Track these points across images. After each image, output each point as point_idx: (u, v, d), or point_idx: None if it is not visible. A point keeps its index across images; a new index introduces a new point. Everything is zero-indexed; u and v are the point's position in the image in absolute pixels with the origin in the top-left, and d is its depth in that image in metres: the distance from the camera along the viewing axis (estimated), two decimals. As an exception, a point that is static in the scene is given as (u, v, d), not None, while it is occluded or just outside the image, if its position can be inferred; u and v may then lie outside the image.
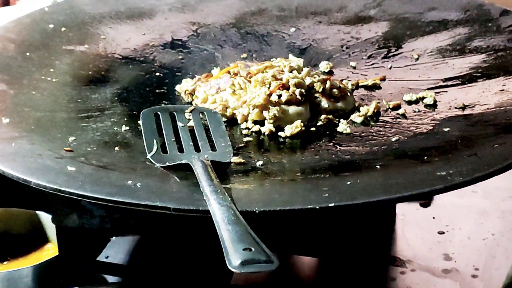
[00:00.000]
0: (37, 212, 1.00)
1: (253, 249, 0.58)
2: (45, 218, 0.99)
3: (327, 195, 0.69)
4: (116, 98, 0.94)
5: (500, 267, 1.01)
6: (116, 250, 1.00)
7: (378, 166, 0.77)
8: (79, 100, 0.93)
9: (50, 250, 0.99)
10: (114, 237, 1.01)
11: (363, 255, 1.01)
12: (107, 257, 0.99)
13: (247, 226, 0.62)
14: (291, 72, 0.92)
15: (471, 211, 1.14)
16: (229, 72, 0.96)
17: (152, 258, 0.98)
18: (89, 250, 0.95)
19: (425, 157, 0.77)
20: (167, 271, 0.93)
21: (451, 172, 0.71)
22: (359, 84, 0.98)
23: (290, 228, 0.86)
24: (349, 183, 0.72)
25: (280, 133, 0.87)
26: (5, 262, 0.96)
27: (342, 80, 0.97)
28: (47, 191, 0.71)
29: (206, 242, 0.88)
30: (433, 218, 1.13)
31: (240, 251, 0.58)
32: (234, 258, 0.57)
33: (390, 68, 1.01)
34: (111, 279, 0.96)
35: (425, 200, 1.13)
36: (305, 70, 0.95)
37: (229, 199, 0.67)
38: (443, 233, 1.09)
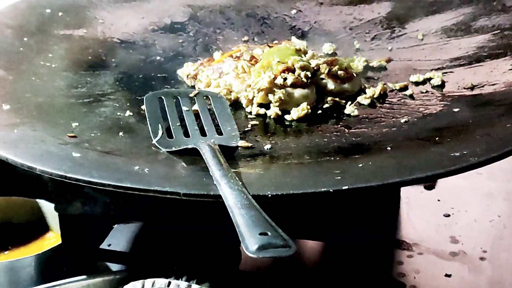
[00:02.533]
0: (37, 200, 0.98)
1: (269, 233, 0.57)
2: (46, 206, 0.97)
3: (339, 177, 0.68)
4: (117, 83, 0.93)
5: (508, 249, 1.00)
6: (118, 238, 0.99)
7: (389, 148, 0.75)
8: (80, 86, 0.91)
9: (51, 239, 0.97)
10: (116, 225, 1.00)
11: (369, 238, 1.00)
12: (109, 245, 0.97)
13: (261, 210, 0.61)
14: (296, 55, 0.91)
15: (476, 193, 1.13)
16: (231, 56, 0.94)
17: (155, 245, 0.96)
18: (92, 238, 0.94)
19: (437, 138, 0.76)
20: (171, 258, 0.92)
21: (465, 152, 0.70)
22: (364, 65, 0.96)
23: (295, 212, 0.85)
24: (360, 165, 0.71)
25: (286, 116, 0.85)
26: (6, 252, 0.95)
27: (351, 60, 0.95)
28: (52, 178, 0.70)
29: (211, 228, 0.87)
30: (438, 200, 1.11)
31: (257, 235, 0.56)
32: (251, 243, 0.56)
33: (393, 49, 1.00)
34: (114, 267, 0.95)
35: (434, 181, 1.12)
36: (310, 52, 0.93)
37: (240, 183, 0.66)
38: (449, 215, 1.08)
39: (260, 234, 0.57)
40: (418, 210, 1.10)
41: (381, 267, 1.00)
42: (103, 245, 0.96)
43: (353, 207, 0.96)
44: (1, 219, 0.99)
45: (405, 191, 1.11)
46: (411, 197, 1.12)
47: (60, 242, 0.89)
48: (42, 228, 0.98)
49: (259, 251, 0.55)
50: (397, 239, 1.04)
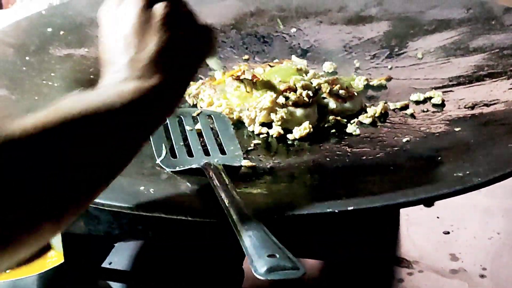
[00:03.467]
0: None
1: (277, 255, 0.57)
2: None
3: (344, 198, 0.68)
4: (119, 102, 0.93)
5: (508, 266, 1.01)
6: (119, 256, 0.99)
7: (392, 168, 0.76)
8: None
9: (53, 258, 0.97)
10: (117, 243, 1.00)
11: (369, 256, 1.00)
12: (110, 263, 0.97)
13: (268, 232, 0.61)
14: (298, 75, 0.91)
15: (475, 210, 1.13)
16: (233, 75, 0.94)
17: (156, 263, 0.96)
18: (94, 257, 0.94)
19: (439, 158, 0.76)
20: (172, 276, 0.92)
21: (468, 172, 0.71)
22: (365, 84, 0.97)
23: (295, 231, 0.85)
24: (364, 185, 0.71)
25: (289, 135, 0.86)
26: (7, 270, 0.94)
27: (351, 79, 0.96)
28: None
29: (214, 246, 0.87)
30: (437, 218, 1.12)
31: (265, 257, 0.57)
32: (259, 265, 0.56)
33: (393, 68, 1.00)
34: (115, 285, 0.95)
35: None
36: (311, 72, 0.94)
37: (246, 204, 0.66)
38: (448, 233, 1.09)
39: (269, 256, 0.57)
40: (418, 227, 1.10)
41: (381, 284, 1.00)
42: (104, 264, 0.96)
43: (353, 225, 0.97)
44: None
45: (404, 209, 1.12)
46: (411, 214, 1.13)
47: (62, 260, 0.89)
48: (43, 246, 0.98)
49: (268, 273, 0.55)
50: (397, 257, 1.05)
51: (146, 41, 0.64)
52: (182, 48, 0.65)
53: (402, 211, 1.11)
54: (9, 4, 1.32)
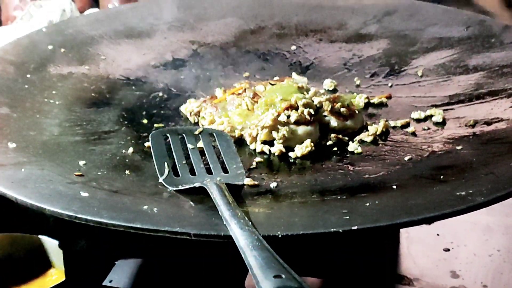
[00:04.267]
0: (39, 236, 0.98)
1: (283, 276, 0.57)
2: (49, 243, 0.97)
3: (347, 217, 0.68)
4: (120, 120, 0.93)
5: (508, 283, 1.01)
6: (120, 274, 0.99)
7: (394, 187, 0.76)
8: (84, 123, 0.91)
9: (53, 276, 0.97)
10: (118, 261, 1.00)
11: (370, 274, 1.00)
12: (111, 281, 0.97)
13: (273, 252, 0.61)
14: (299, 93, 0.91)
15: (475, 227, 1.14)
16: (234, 93, 0.95)
17: (157, 281, 0.96)
18: (95, 275, 0.94)
19: (441, 177, 0.77)
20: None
21: (471, 192, 0.71)
22: (365, 102, 0.97)
23: (295, 250, 0.85)
24: (367, 204, 0.71)
25: (291, 154, 0.86)
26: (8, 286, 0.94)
27: (352, 97, 0.96)
28: (61, 217, 0.70)
29: (214, 265, 0.87)
30: (437, 235, 1.12)
31: (271, 278, 0.57)
32: (265, 285, 0.56)
33: (393, 86, 1.01)
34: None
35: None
36: (313, 89, 0.94)
37: (250, 223, 0.66)
38: (449, 250, 1.09)
39: (275, 276, 0.57)
40: (418, 245, 1.10)
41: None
42: (105, 282, 0.96)
43: (354, 243, 0.97)
44: (3, 255, 0.98)
45: (404, 226, 1.12)
46: (411, 232, 1.13)
47: (63, 278, 0.89)
48: (44, 264, 0.98)
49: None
50: (398, 274, 1.05)
51: None
52: None
53: (402, 229, 1.11)
54: (9, 21, 1.32)
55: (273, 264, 0.59)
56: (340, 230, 0.65)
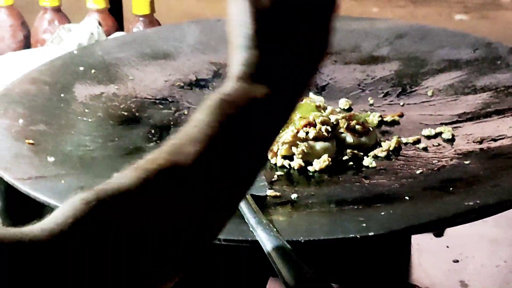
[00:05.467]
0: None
1: (307, 275, 0.63)
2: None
3: (364, 225, 0.74)
4: (149, 136, 0.99)
5: (514, 292, 1.06)
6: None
7: (407, 198, 0.82)
8: (116, 139, 0.97)
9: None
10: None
11: (381, 283, 1.06)
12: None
13: (294, 254, 0.67)
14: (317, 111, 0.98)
15: (483, 240, 1.19)
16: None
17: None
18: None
19: (451, 189, 0.82)
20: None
21: (478, 202, 0.77)
22: (379, 120, 1.03)
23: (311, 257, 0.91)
24: (383, 213, 0.77)
25: (309, 168, 0.92)
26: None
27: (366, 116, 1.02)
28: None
29: (238, 270, 0.93)
30: (447, 247, 1.18)
31: (295, 277, 0.63)
32: (290, 282, 0.62)
33: (405, 105, 1.07)
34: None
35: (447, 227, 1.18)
36: (329, 108, 1.00)
37: (275, 229, 0.72)
38: (458, 261, 1.14)
39: (299, 275, 0.63)
40: (429, 256, 1.16)
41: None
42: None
43: (368, 254, 1.03)
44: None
45: (415, 239, 1.17)
46: (421, 244, 1.18)
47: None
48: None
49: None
50: (409, 284, 1.10)
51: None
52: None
53: (413, 240, 1.17)
54: (38, 43, 1.39)
55: (296, 265, 0.65)
56: (358, 236, 0.71)
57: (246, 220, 0.74)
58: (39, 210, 1.01)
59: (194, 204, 0.55)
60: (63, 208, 0.53)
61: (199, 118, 0.58)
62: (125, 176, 0.55)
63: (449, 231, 1.22)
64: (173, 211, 0.55)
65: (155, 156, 0.56)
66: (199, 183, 0.56)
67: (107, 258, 0.51)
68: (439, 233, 1.21)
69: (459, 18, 1.82)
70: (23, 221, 1.03)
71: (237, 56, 0.63)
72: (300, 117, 0.96)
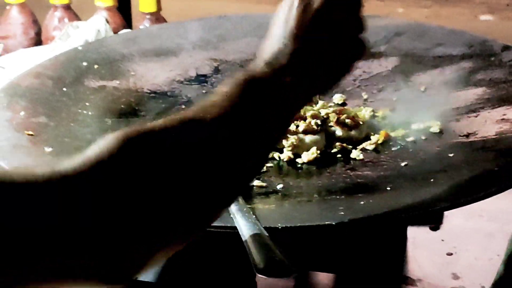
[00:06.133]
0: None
1: (276, 258, 0.66)
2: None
3: (342, 213, 0.77)
4: (146, 129, 1.02)
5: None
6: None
7: (388, 188, 0.84)
8: (113, 131, 1.00)
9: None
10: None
11: (377, 274, 1.08)
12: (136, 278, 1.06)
13: (270, 240, 0.70)
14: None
15: (478, 234, 1.21)
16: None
17: (178, 277, 1.05)
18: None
19: (432, 180, 0.85)
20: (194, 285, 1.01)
21: (453, 192, 0.79)
22: (371, 115, 1.05)
23: (309, 246, 0.94)
24: (362, 203, 0.80)
25: (298, 160, 0.95)
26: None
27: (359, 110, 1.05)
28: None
29: (229, 261, 0.96)
30: (442, 240, 1.20)
31: (266, 259, 0.66)
32: (260, 265, 0.65)
33: (397, 100, 1.09)
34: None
35: (432, 220, 1.20)
36: (321, 102, 1.03)
37: (254, 216, 0.75)
38: (451, 254, 1.16)
39: (268, 259, 0.66)
40: (423, 249, 1.18)
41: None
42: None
43: (365, 247, 1.06)
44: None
45: (411, 231, 1.19)
46: (417, 237, 1.20)
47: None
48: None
49: (266, 272, 0.64)
50: (402, 275, 1.12)
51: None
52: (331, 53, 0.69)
53: (409, 233, 1.19)
54: (48, 40, 1.43)
55: (268, 249, 0.68)
56: (333, 223, 0.74)
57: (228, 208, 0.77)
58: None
59: (215, 157, 0.59)
60: (96, 145, 0.58)
61: (224, 90, 0.63)
62: (154, 123, 0.60)
63: (445, 225, 1.24)
64: (194, 157, 0.58)
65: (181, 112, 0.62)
66: (221, 138, 0.59)
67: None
68: (435, 227, 1.23)
69: (484, 18, 1.83)
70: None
71: (272, 45, 0.67)
72: (291, 111, 0.98)
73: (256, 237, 0.70)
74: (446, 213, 1.25)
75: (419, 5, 1.81)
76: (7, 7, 1.48)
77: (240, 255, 0.74)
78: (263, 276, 0.64)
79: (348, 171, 0.91)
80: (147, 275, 1.05)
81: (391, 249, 1.14)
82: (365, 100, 1.11)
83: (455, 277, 1.11)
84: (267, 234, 0.71)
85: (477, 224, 1.22)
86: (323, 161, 0.94)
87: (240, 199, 0.79)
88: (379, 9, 1.71)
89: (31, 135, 0.96)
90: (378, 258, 1.09)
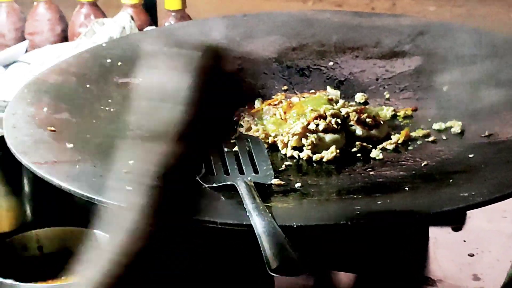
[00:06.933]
0: (93, 230, 1.09)
1: (290, 256, 0.66)
2: (101, 236, 1.07)
3: (358, 213, 0.77)
4: (167, 126, 1.03)
5: (526, 287, 1.07)
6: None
7: (407, 188, 0.84)
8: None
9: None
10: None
11: (398, 274, 1.08)
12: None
13: (285, 238, 0.70)
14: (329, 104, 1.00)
15: (501, 235, 1.20)
16: (270, 104, 1.04)
17: (193, 272, 1.06)
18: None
19: (451, 180, 0.84)
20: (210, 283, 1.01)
21: (473, 193, 0.79)
22: (392, 114, 1.05)
23: (329, 246, 0.94)
24: (379, 203, 0.80)
25: (314, 157, 0.94)
26: (62, 278, 1.04)
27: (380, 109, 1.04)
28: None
29: (247, 257, 0.96)
30: (464, 241, 1.19)
31: (278, 258, 0.66)
32: (273, 263, 0.65)
33: (419, 99, 1.08)
34: None
35: (454, 220, 1.20)
36: (341, 101, 1.03)
37: (270, 215, 0.75)
38: (473, 255, 1.15)
39: (282, 257, 0.66)
40: (445, 250, 1.17)
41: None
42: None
43: (386, 247, 1.06)
44: (61, 248, 1.09)
45: (433, 232, 1.19)
46: (439, 238, 1.20)
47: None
48: (97, 256, 1.08)
49: (279, 271, 0.64)
50: (423, 275, 1.12)
51: None
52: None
53: (431, 234, 1.19)
54: (74, 37, 1.44)
55: (283, 247, 0.68)
56: (349, 223, 0.74)
57: (244, 205, 0.78)
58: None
59: None
60: None
61: None
62: None
63: (467, 226, 1.23)
64: None
65: None
66: None
67: None
68: (457, 227, 1.22)
69: (518, 18, 1.81)
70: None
71: None
72: (311, 110, 0.99)
73: (270, 235, 0.70)
74: (468, 214, 1.25)
75: (452, 4, 1.80)
76: (35, 3, 1.50)
77: (257, 253, 0.74)
78: (274, 275, 0.64)
79: (368, 170, 0.91)
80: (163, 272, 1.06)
81: (413, 249, 1.14)
82: (387, 99, 1.11)
83: (476, 278, 1.10)
84: (282, 233, 0.71)
85: (499, 225, 1.21)
86: (343, 161, 0.94)
87: (257, 198, 0.79)
88: (410, 8, 1.70)
89: (53, 131, 0.97)
90: (399, 258, 1.09)
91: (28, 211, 1.10)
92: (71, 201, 1.08)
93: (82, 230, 1.09)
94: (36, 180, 1.05)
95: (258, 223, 0.73)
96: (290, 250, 0.67)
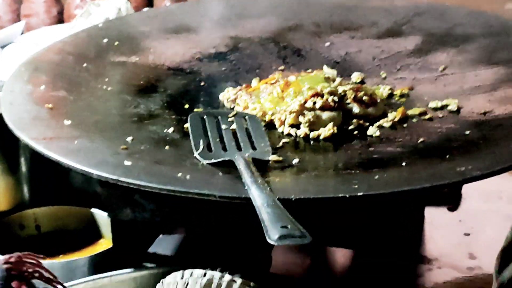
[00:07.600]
0: (91, 209, 1.09)
1: (289, 226, 0.66)
2: (99, 215, 1.08)
3: (356, 186, 0.77)
4: (165, 105, 1.03)
5: (522, 265, 1.08)
6: (163, 248, 1.08)
7: (404, 164, 0.84)
8: (132, 106, 1.02)
9: (103, 245, 1.07)
10: (161, 235, 1.10)
11: (394, 253, 1.09)
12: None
13: (284, 209, 0.71)
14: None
15: (496, 215, 1.21)
16: (267, 83, 1.04)
17: (196, 251, 1.06)
18: (139, 243, 1.04)
19: (447, 156, 0.85)
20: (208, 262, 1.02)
21: (470, 167, 0.79)
22: (389, 93, 1.05)
23: (329, 222, 0.94)
24: (376, 177, 0.80)
25: (311, 134, 0.95)
26: (60, 255, 1.05)
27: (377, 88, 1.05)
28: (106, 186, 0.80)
29: (244, 236, 0.97)
30: (460, 221, 1.20)
31: (278, 228, 0.66)
32: (273, 233, 0.65)
33: (416, 79, 1.09)
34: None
35: (450, 200, 1.20)
36: (338, 79, 1.03)
37: (268, 188, 0.75)
38: (469, 234, 1.16)
39: (282, 227, 0.66)
40: (441, 230, 1.18)
41: (403, 278, 1.08)
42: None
43: (383, 225, 1.06)
44: (58, 227, 1.10)
45: (429, 212, 1.20)
46: (434, 217, 1.20)
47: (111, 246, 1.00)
48: (95, 235, 1.09)
49: (280, 240, 0.65)
50: (419, 254, 1.13)
51: None
52: None
53: (427, 214, 1.19)
54: (70, 18, 1.44)
55: (281, 218, 0.68)
56: (347, 196, 0.74)
57: (243, 180, 0.78)
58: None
59: None
60: None
61: None
62: None
63: (463, 206, 1.24)
64: None
65: None
66: None
67: None
68: (452, 207, 1.23)
69: (511, 7, 1.82)
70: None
71: None
72: (308, 88, 0.99)
73: (269, 207, 0.71)
74: (464, 194, 1.26)
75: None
76: (30, -14, 1.50)
77: (254, 230, 0.75)
78: (276, 244, 0.64)
79: (364, 147, 0.92)
80: (165, 249, 1.07)
81: (409, 228, 1.14)
82: (384, 78, 1.11)
83: (472, 257, 1.11)
84: (280, 205, 0.71)
85: (495, 205, 1.22)
86: (340, 138, 0.94)
87: (255, 172, 0.79)
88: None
89: (51, 108, 0.97)
90: (396, 236, 1.10)
91: (26, 190, 1.10)
92: (69, 180, 1.08)
93: (80, 209, 1.09)
94: (34, 159, 1.06)
95: (257, 196, 0.73)
96: (290, 220, 0.68)
